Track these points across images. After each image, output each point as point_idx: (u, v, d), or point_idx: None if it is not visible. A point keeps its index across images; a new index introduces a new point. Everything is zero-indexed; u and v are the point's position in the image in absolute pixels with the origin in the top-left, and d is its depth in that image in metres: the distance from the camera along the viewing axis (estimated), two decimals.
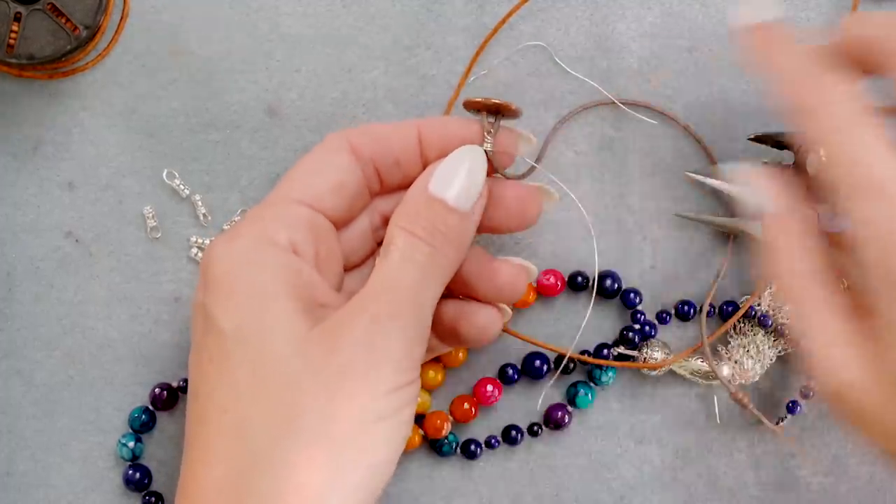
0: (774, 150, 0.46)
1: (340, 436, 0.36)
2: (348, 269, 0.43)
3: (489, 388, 0.48)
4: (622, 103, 0.48)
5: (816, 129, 0.37)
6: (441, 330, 0.42)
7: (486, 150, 0.41)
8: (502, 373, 0.48)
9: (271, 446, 0.36)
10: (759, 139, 0.46)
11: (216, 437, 0.37)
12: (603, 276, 0.48)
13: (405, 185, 0.42)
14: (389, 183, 0.42)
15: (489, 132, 0.41)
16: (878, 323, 0.35)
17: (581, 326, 0.48)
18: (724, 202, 0.48)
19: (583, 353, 0.48)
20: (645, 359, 0.47)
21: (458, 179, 0.39)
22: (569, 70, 0.48)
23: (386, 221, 0.43)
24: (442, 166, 0.40)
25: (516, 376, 0.48)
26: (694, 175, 0.46)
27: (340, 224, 0.42)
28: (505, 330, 0.46)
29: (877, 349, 0.36)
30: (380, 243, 0.44)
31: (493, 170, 0.41)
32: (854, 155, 0.36)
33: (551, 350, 0.48)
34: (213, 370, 0.37)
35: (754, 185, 0.39)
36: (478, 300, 0.43)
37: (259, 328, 0.37)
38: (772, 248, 0.38)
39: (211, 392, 0.37)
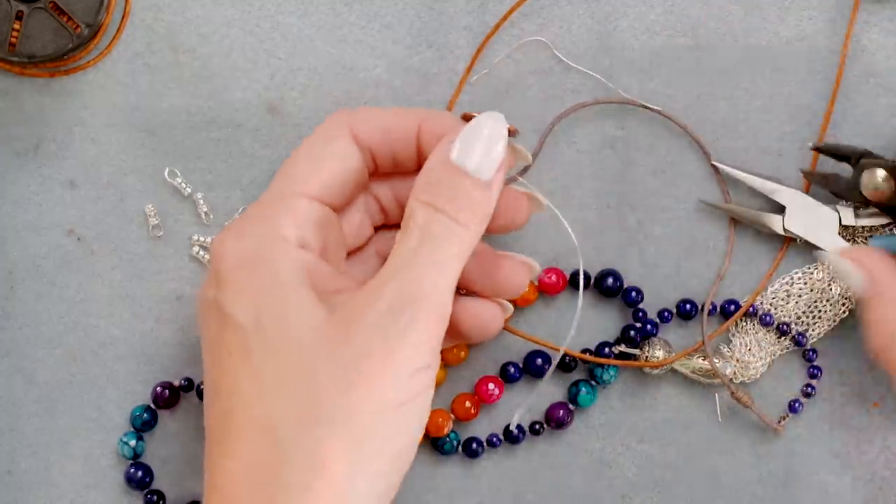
0: (832, 160, 0.46)
1: (362, 425, 0.36)
2: (348, 255, 0.43)
3: (490, 386, 0.48)
4: (623, 102, 0.48)
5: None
6: None
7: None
8: (504, 371, 0.48)
9: (298, 439, 0.36)
10: (819, 150, 0.46)
11: (242, 432, 0.37)
12: (604, 275, 0.48)
13: (398, 172, 0.42)
14: (383, 168, 0.42)
15: None
16: None
17: (574, 323, 0.48)
18: (740, 193, 0.48)
19: (584, 351, 0.48)
20: (646, 357, 0.47)
21: (479, 147, 0.39)
22: (571, 63, 0.48)
23: (380, 205, 0.43)
24: (463, 135, 0.39)
25: (518, 375, 0.48)
26: (721, 165, 0.47)
27: (340, 210, 0.42)
28: (506, 328, 0.46)
29: None
30: (377, 228, 0.44)
31: None
32: None
33: (552, 348, 0.48)
34: (234, 365, 0.37)
35: (850, 266, 0.40)
36: (479, 295, 0.43)
37: (278, 319, 0.37)
38: (874, 325, 0.40)
39: (233, 387, 0.37)
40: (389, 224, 0.45)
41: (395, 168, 0.42)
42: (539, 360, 0.48)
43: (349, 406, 0.36)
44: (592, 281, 0.48)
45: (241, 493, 0.36)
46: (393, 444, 0.37)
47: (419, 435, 0.38)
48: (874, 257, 0.40)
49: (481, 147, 0.39)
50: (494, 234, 0.44)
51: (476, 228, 0.39)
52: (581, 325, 0.48)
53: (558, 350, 0.47)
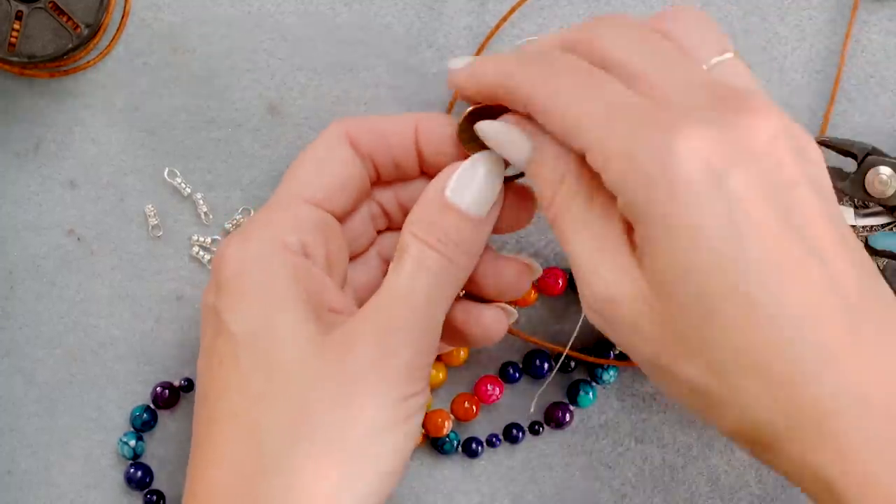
0: (839, 155, 0.46)
1: (351, 444, 0.36)
2: (350, 258, 0.43)
3: (490, 386, 0.48)
4: None
5: (537, 85, 0.36)
6: (446, 330, 0.42)
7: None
8: (503, 371, 0.48)
9: (283, 451, 0.36)
10: (825, 143, 0.46)
11: (226, 440, 0.37)
12: None
13: (401, 178, 0.42)
14: (385, 176, 0.42)
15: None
16: (639, 234, 0.34)
17: (577, 325, 0.48)
18: None
19: (584, 351, 0.48)
20: None
21: (474, 186, 0.39)
22: None
23: (384, 210, 0.43)
24: (459, 172, 0.39)
25: (517, 375, 0.48)
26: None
27: (344, 218, 0.42)
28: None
29: (640, 261, 0.34)
30: (380, 231, 0.44)
31: None
32: (576, 88, 0.35)
33: (552, 349, 0.48)
34: (223, 373, 0.37)
35: (518, 132, 0.38)
36: (480, 297, 0.43)
37: (271, 334, 0.37)
38: (535, 175, 0.37)
39: (221, 395, 0.37)
40: (393, 227, 0.45)
41: (397, 174, 0.42)
42: (538, 361, 0.48)
43: (339, 426, 0.36)
44: None
45: (219, 502, 0.36)
46: (379, 465, 0.37)
47: (406, 458, 0.38)
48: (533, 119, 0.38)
49: (476, 186, 0.39)
50: (500, 234, 0.44)
51: (467, 264, 0.40)
52: (581, 324, 0.48)
53: (560, 350, 0.47)
